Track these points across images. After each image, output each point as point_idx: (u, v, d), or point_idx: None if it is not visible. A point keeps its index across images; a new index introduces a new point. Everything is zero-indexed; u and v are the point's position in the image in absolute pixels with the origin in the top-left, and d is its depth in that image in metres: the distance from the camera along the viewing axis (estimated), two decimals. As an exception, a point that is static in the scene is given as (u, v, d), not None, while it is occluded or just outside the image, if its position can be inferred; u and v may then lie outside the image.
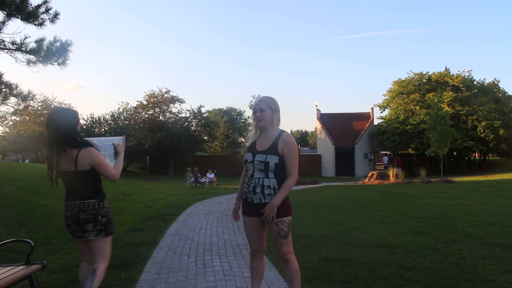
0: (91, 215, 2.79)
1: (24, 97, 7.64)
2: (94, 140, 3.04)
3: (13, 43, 6.71)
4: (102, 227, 2.82)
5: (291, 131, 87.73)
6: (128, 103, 41.07)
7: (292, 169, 2.70)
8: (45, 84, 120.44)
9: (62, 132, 2.78)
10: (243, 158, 3.03)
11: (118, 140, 3.19)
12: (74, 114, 2.90)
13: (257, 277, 2.90)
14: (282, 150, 2.70)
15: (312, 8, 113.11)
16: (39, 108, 32.73)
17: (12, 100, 7.69)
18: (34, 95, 8.13)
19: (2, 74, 7.10)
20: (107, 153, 3.09)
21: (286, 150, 2.70)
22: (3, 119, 32.37)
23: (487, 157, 39.84)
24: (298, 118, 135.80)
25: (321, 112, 35.50)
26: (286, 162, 2.70)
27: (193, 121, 37.68)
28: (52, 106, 33.32)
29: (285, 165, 2.71)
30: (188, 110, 37.59)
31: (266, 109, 2.76)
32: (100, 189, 2.90)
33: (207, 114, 40.88)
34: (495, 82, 31.50)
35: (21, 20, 6.70)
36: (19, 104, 8.83)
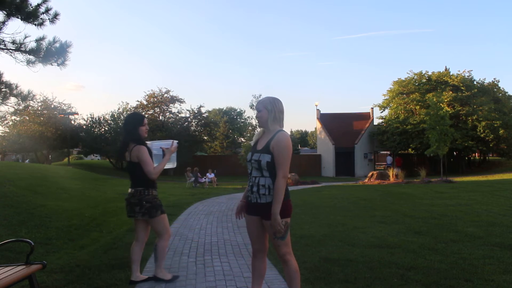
0: (137, 200, 3.53)
1: (24, 97, 7.63)
2: (150, 143, 3.69)
3: (13, 42, 6.70)
4: (146, 211, 3.53)
5: (291, 131, 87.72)
6: (128, 103, 40.87)
7: (278, 168, 2.64)
8: (45, 84, 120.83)
9: (128, 130, 3.58)
10: (243, 158, 3.05)
11: (166, 144, 3.72)
12: (139, 117, 3.71)
13: (258, 277, 2.90)
14: (273, 148, 2.68)
15: (312, 8, 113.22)
16: (39, 108, 32.72)
17: (12, 100, 7.68)
18: (34, 95, 8.12)
19: (2, 74, 7.09)
20: (155, 154, 3.63)
21: (276, 148, 2.66)
22: (3, 119, 32.36)
23: (487, 157, 39.79)
24: (298, 118, 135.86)
25: (321, 112, 35.50)
26: (275, 160, 2.66)
27: (193, 121, 37.68)
28: (52, 106, 33.37)
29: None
30: (188, 110, 37.66)
31: (262, 109, 2.79)
32: (148, 180, 3.53)
33: (207, 114, 40.89)
34: (495, 82, 31.47)
35: (21, 20, 6.69)
36: (19, 104, 8.83)
